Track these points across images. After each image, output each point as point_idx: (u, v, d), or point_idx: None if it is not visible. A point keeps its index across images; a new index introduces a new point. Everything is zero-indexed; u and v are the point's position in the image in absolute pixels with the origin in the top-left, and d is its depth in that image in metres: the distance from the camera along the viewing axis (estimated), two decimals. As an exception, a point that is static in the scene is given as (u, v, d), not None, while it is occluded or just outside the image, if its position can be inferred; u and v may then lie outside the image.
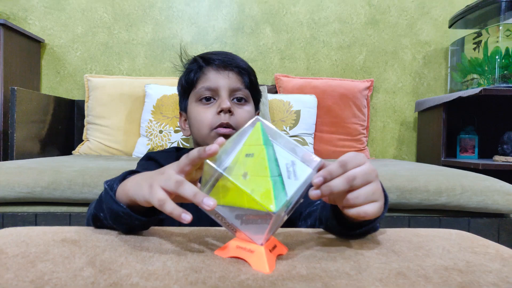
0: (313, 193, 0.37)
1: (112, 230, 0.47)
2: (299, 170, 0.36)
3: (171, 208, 0.37)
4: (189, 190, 0.36)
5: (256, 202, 0.33)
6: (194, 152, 0.37)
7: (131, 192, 0.42)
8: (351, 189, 0.38)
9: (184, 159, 0.39)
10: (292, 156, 0.37)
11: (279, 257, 0.38)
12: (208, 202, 0.35)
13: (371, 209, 0.38)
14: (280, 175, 0.35)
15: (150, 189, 0.39)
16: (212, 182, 0.37)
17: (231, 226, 0.37)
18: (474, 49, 1.87)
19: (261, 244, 0.36)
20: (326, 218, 0.48)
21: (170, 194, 0.38)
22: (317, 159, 0.37)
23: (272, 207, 0.33)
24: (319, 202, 0.57)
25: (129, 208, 0.43)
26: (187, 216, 0.36)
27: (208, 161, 0.36)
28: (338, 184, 0.37)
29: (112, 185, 0.46)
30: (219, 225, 0.46)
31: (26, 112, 1.56)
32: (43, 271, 0.33)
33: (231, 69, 0.68)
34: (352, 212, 0.38)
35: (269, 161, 0.35)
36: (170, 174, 0.38)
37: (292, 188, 0.35)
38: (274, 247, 0.38)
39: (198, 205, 0.35)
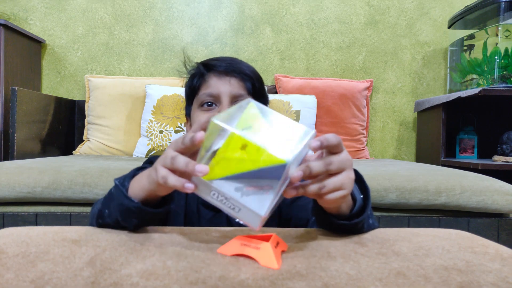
0: (296, 174, 0.36)
1: (112, 230, 0.47)
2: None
3: (173, 180, 0.38)
4: (181, 162, 0.37)
5: (267, 154, 0.32)
6: (187, 140, 0.38)
7: (147, 184, 0.44)
8: (326, 174, 0.39)
9: (179, 143, 0.39)
10: (283, 135, 0.36)
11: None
12: (200, 169, 0.35)
13: (334, 196, 0.40)
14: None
15: (155, 171, 0.40)
16: (210, 153, 0.35)
17: (230, 203, 0.35)
18: (465, 51, 1.87)
19: (264, 216, 0.34)
20: (314, 210, 0.49)
21: (173, 171, 0.39)
22: (308, 131, 0.37)
23: (285, 156, 0.32)
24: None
25: (143, 202, 0.44)
26: (189, 185, 0.37)
27: (214, 120, 0.34)
28: (316, 165, 0.38)
29: (123, 182, 0.47)
30: (219, 225, 0.46)
31: (27, 112, 1.56)
32: (44, 271, 0.33)
33: (233, 75, 0.67)
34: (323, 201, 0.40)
35: (270, 128, 0.35)
36: (167, 152, 0.40)
37: (294, 151, 0.34)
38: (277, 243, 0.38)
39: (191, 174, 0.36)
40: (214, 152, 0.35)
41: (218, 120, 0.34)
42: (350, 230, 0.47)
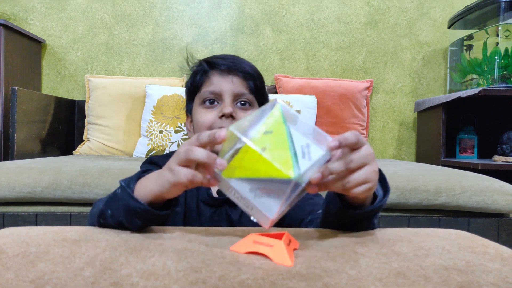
0: (315, 176, 0.38)
1: (112, 230, 0.47)
2: (313, 151, 0.37)
3: (200, 178, 0.40)
4: (200, 152, 0.38)
5: (276, 168, 0.34)
6: (205, 137, 0.39)
7: (155, 187, 0.44)
8: (347, 171, 0.40)
9: (194, 140, 0.40)
10: (307, 139, 0.38)
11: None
12: (220, 162, 0.37)
13: (360, 189, 0.41)
14: (295, 153, 0.37)
15: (171, 172, 0.41)
16: (231, 153, 0.37)
17: (244, 201, 0.38)
18: (465, 51, 1.87)
19: (273, 219, 0.37)
20: (328, 200, 0.49)
21: (188, 164, 0.40)
22: (330, 141, 0.39)
23: (291, 173, 0.34)
24: (320, 211, 0.57)
25: (148, 205, 0.44)
26: (213, 180, 0.39)
27: (231, 128, 0.37)
28: (336, 166, 0.40)
29: (128, 183, 0.47)
30: (219, 222, 0.46)
31: (27, 112, 1.56)
32: (44, 271, 0.33)
33: (235, 73, 0.68)
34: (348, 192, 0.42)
35: (288, 136, 0.37)
36: (180, 150, 0.41)
37: (306, 165, 0.36)
38: (290, 241, 0.39)
39: (211, 165, 0.38)
40: (237, 150, 0.37)
41: (235, 128, 0.37)
42: (358, 222, 0.48)
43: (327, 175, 0.39)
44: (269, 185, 0.36)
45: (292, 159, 0.35)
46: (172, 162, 0.41)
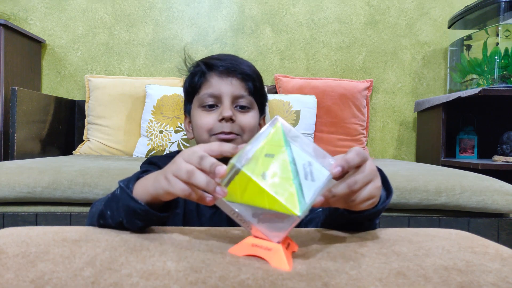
0: (318, 200, 0.37)
1: (112, 230, 0.47)
2: (316, 171, 0.37)
3: (195, 197, 0.39)
4: (201, 179, 0.37)
5: (281, 204, 0.34)
6: (207, 165, 0.38)
7: (151, 189, 0.44)
8: (351, 192, 0.40)
9: (196, 158, 0.39)
10: (309, 156, 0.37)
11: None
12: (219, 191, 0.36)
13: (363, 205, 0.42)
14: (298, 176, 0.36)
15: (167, 181, 0.40)
16: (230, 176, 0.36)
17: (247, 224, 0.37)
18: (465, 50, 1.87)
19: (278, 242, 0.36)
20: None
21: (187, 183, 0.39)
22: (332, 162, 0.38)
23: (297, 211, 0.34)
24: (320, 209, 0.57)
25: (147, 205, 0.44)
26: (211, 199, 0.38)
27: (233, 161, 0.36)
28: (340, 189, 0.39)
29: (127, 184, 0.47)
30: (219, 223, 0.46)
31: (27, 112, 1.56)
32: (44, 271, 0.33)
33: (234, 75, 0.67)
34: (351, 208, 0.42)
35: (291, 163, 0.36)
36: (180, 163, 0.39)
37: (310, 190, 0.35)
38: (288, 244, 0.39)
39: (211, 193, 0.37)
40: (237, 172, 0.36)
41: (238, 162, 0.35)
42: (360, 223, 0.48)
43: (330, 197, 0.39)
44: (273, 214, 0.35)
45: (297, 192, 0.35)
46: (169, 171, 0.40)
